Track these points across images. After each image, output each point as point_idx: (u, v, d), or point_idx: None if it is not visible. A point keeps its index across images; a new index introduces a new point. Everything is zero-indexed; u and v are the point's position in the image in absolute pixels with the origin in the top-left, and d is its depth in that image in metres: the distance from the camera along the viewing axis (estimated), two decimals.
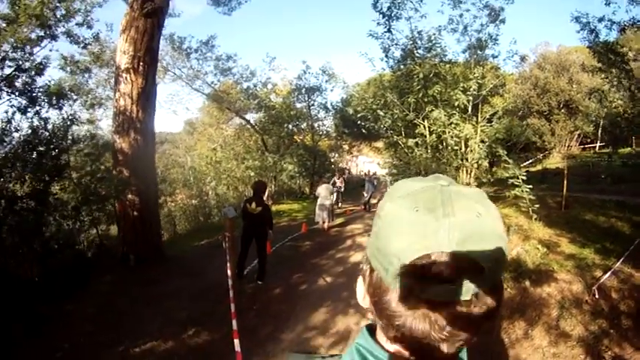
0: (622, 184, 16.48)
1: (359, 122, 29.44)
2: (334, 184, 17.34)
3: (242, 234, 9.37)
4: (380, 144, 30.95)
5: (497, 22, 12.13)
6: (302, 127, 29.90)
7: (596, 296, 6.69)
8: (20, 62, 10.33)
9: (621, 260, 7.47)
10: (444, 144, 11.57)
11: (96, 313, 8.21)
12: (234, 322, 5.38)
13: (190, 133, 37.65)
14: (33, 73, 10.61)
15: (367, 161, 44.26)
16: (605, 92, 27.19)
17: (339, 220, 17.24)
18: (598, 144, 35.88)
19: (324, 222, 15.82)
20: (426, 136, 11.55)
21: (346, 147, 34.62)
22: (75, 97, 12.50)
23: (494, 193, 13.09)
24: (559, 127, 33.27)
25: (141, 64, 11.57)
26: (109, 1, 13.90)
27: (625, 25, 12.42)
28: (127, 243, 11.61)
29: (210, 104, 31.42)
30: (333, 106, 30.32)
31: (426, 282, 0.71)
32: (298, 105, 29.46)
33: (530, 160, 31.09)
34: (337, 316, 7.50)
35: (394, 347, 0.85)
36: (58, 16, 10.88)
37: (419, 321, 0.74)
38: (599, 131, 35.11)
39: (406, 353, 0.83)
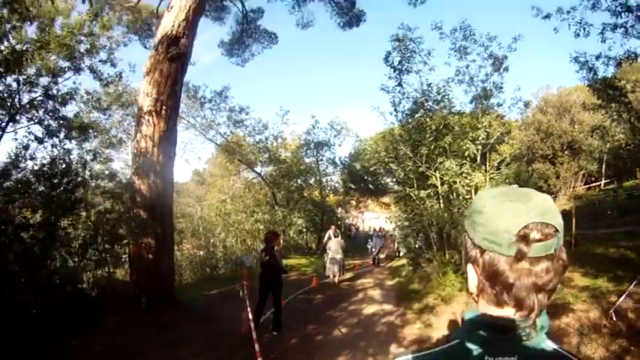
0: (628, 215, 17.26)
1: (366, 178, 29.77)
2: (329, 237, 17.19)
3: (260, 283, 9.32)
4: (387, 199, 30.94)
5: (501, 70, 12.29)
6: (310, 182, 29.91)
7: (614, 319, 6.98)
8: (48, 88, 10.36)
9: (634, 284, 7.86)
10: (455, 194, 11.53)
11: (104, 352, 8.07)
12: None
13: (200, 183, 37.72)
14: (59, 101, 10.64)
15: (373, 217, 44.23)
16: (607, 128, 28.07)
17: (348, 275, 17.02)
18: (603, 181, 36.17)
19: (334, 275, 15.79)
20: (437, 187, 11.48)
21: (353, 202, 34.47)
22: (95, 133, 12.42)
23: None
24: (564, 169, 33.27)
25: (164, 107, 11.74)
26: (132, 43, 14.12)
27: (621, 58, 12.57)
28: (139, 285, 11.48)
29: (221, 155, 31.59)
30: (342, 161, 30.43)
31: (529, 243, 1.05)
32: (307, 160, 29.69)
33: None
34: None
35: (499, 311, 1.16)
36: (83, 50, 10.93)
37: (526, 276, 1.07)
38: (603, 167, 35.45)
39: (512, 312, 1.13)
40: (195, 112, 26.04)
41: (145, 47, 15.36)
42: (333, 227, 18.81)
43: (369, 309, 11.32)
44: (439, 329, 8.35)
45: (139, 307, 10.97)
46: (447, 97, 12.72)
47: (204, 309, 10.46)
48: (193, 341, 8.69)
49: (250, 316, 8.14)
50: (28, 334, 7.95)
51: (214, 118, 26.88)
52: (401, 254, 23.44)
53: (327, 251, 16.84)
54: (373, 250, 22.90)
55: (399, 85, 13.18)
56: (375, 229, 27.65)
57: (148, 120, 11.65)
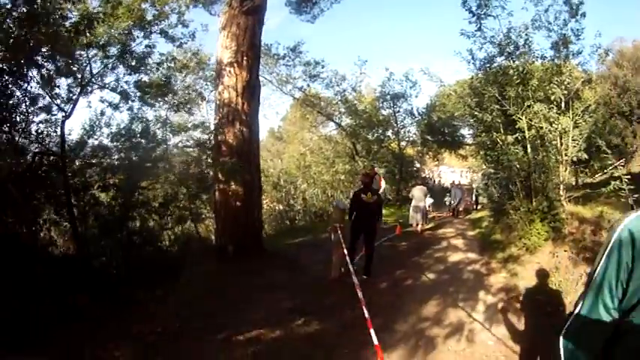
0: None
1: (443, 129, 29.23)
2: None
3: (353, 226, 9.31)
4: (463, 152, 30.39)
5: (578, 16, 11.67)
6: (388, 134, 29.69)
7: None
8: (120, 54, 10.67)
9: None
10: (542, 139, 11.18)
11: (191, 301, 8.30)
12: (365, 311, 5.19)
13: (278, 138, 38.17)
14: (132, 65, 11.04)
15: (449, 171, 43.67)
16: None
17: (429, 225, 16.93)
18: None
19: (417, 224, 15.70)
20: (524, 132, 11.16)
21: (430, 154, 33.93)
22: (171, 94, 12.85)
23: (590, 190, 12.68)
24: None
25: (245, 58, 11.92)
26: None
27: None
28: (225, 234, 11.78)
29: (299, 109, 31.72)
30: (419, 112, 29.93)
31: None
32: (384, 112, 29.40)
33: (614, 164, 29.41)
34: (447, 308, 7.36)
35: None
36: (151, 16, 11.20)
37: None
38: None
39: None
40: (270, 68, 26.04)
41: (210, 13, 15.43)
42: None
43: (453, 257, 11.35)
44: (525, 278, 8.22)
45: (226, 256, 11.26)
46: (528, 41, 12.26)
47: (290, 256, 10.70)
48: (283, 287, 8.88)
49: (348, 259, 8.13)
50: (109, 290, 8.40)
51: (290, 73, 26.83)
52: (478, 207, 23.16)
53: (411, 199, 16.73)
54: (452, 201, 22.72)
55: (479, 29, 12.76)
56: (453, 182, 27.41)
57: (230, 71, 11.86)
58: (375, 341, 4.55)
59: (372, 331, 4.80)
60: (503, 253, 10.33)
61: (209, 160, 12.75)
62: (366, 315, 5.07)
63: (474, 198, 24.38)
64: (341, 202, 10.33)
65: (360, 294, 5.56)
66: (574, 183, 16.36)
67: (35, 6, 8.49)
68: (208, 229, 14.96)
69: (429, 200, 18.22)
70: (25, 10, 8.43)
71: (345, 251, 8.44)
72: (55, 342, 5.97)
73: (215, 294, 8.74)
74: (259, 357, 5.78)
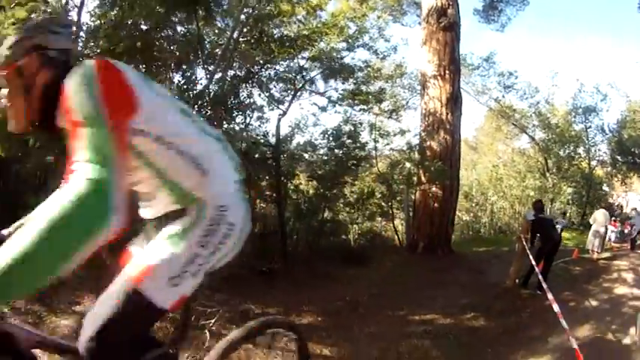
0: None
1: (634, 150, 26.87)
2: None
3: (544, 246, 9.74)
4: None
5: None
6: (579, 151, 28.42)
7: None
8: (328, 66, 12.40)
9: None
10: None
11: (379, 283, 9.47)
12: (562, 321, 5.66)
13: (473, 148, 38.04)
14: (341, 75, 12.82)
15: (637, 198, 40.24)
16: None
17: (605, 254, 16.65)
18: None
19: (593, 250, 15.34)
20: None
21: (619, 178, 31.32)
22: (377, 102, 14.21)
23: None
24: None
25: (447, 71, 12.97)
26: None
27: None
28: (419, 231, 12.89)
29: (492, 120, 31.56)
30: (610, 129, 28.04)
31: None
32: (575, 127, 28.12)
33: None
34: (599, 334, 7.58)
35: None
36: (353, 32, 12.85)
37: None
38: None
39: None
40: (466, 78, 26.10)
41: (402, 24, 16.95)
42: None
43: (619, 290, 11.06)
44: None
45: (415, 251, 12.36)
46: None
47: (475, 261, 11.27)
48: (462, 285, 9.76)
49: (537, 269, 8.44)
50: (305, 263, 10.16)
51: (484, 84, 26.83)
52: None
53: (592, 223, 16.14)
54: (633, 232, 21.33)
55: None
56: (635, 208, 25.51)
57: (434, 83, 13.00)
58: (575, 345, 5.16)
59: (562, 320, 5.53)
60: None
61: (415, 162, 13.71)
62: (564, 325, 5.53)
63: None
64: (530, 213, 10.56)
65: (556, 307, 5.97)
66: None
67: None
68: (394, 230, 15.85)
69: (612, 228, 17.66)
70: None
71: (536, 267, 8.68)
72: (253, 293, 7.45)
73: (401, 281, 9.90)
74: (428, 335, 6.75)
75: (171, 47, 8.94)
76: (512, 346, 6.75)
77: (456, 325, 7.41)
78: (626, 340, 7.23)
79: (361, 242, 14.15)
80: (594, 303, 9.60)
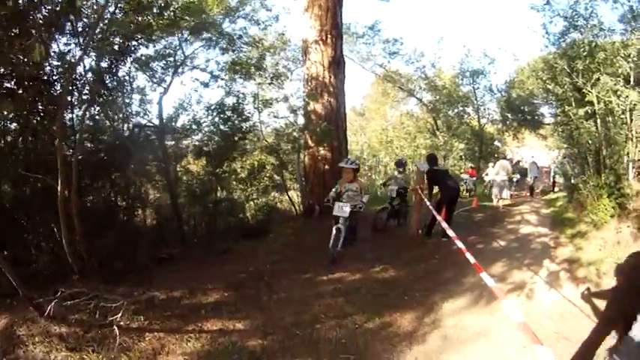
0: None
1: (523, 108, 28.51)
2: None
3: (443, 196, 9.95)
4: (543, 131, 29.74)
5: None
6: (468, 110, 29.45)
7: None
8: (207, 39, 11.91)
9: None
10: (612, 114, 11.22)
11: (280, 250, 9.41)
12: (469, 256, 5.38)
13: (360, 114, 38.57)
14: (223, 46, 12.40)
15: (531, 153, 42.71)
16: None
17: (507, 202, 17.27)
18: None
19: (496, 197, 16.15)
20: (594, 105, 11.26)
21: (510, 134, 33.14)
22: (259, 72, 13.79)
23: None
24: None
25: (329, 36, 12.79)
26: None
27: None
28: (312, 194, 12.76)
29: (380, 86, 32.03)
30: (498, 89, 29.37)
31: None
32: (464, 89, 29.01)
33: None
34: (513, 270, 7.92)
35: None
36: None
37: None
38: None
39: None
40: (350, 46, 26.32)
41: None
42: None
43: (525, 229, 11.72)
44: (588, 252, 8.55)
45: (312, 215, 12.27)
46: (593, 13, 12.26)
47: (372, 218, 11.06)
48: (365, 242, 9.78)
49: (440, 218, 8.32)
50: (203, 244, 10.05)
51: (370, 51, 27.06)
52: (556, 189, 22.99)
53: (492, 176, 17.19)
54: (529, 180, 22.58)
55: (548, 3, 13.02)
56: (532, 157, 27.02)
57: (316, 48, 12.80)
58: (472, 260, 5.20)
59: (468, 255, 5.41)
60: (572, 230, 10.52)
61: (300, 126, 13.72)
62: (471, 260, 5.30)
63: (551, 179, 24.09)
64: (422, 164, 10.57)
65: (461, 245, 5.83)
66: None
67: None
68: (289, 202, 15.70)
69: (516, 176, 18.34)
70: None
71: (438, 216, 8.68)
72: (154, 281, 7.20)
73: (302, 245, 9.81)
74: (340, 292, 6.72)
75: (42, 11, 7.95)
76: (428, 290, 6.87)
77: (366, 279, 7.39)
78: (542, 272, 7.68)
79: (259, 218, 13.80)
80: (502, 243, 10.00)
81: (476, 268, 4.96)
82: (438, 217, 8.39)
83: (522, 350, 4.98)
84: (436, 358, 4.90)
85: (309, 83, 13.09)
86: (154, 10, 10.52)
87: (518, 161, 35.59)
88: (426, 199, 9.58)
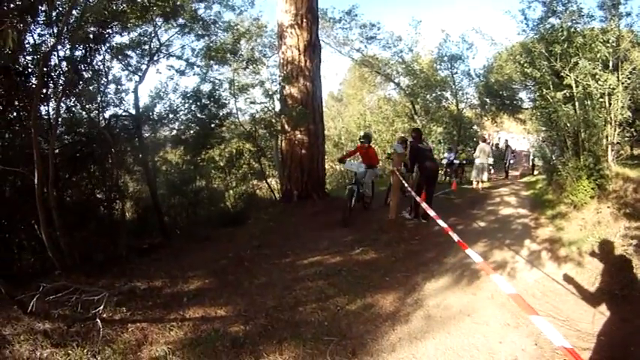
0: None
1: (502, 93, 28.78)
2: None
3: (423, 176, 10.05)
4: (522, 116, 30.08)
5: None
6: (446, 95, 29.57)
7: None
8: (183, 26, 11.58)
9: None
10: (590, 97, 11.34)
11: (260, 235, 9.37)
12: (453, 234, 5.43)
13: (338, 100, 38.53)
14: (198, 33, 12.01)
15: (509, 137, 43.28)
16: None
17: (486, 184, 17.38)
18: None
19: (476, 181, 16.51)
20: (572, 88, 11.37)
21: (489, 118, 33.43)
22: (235, 57, 13.56)
23: None
24: None
25: (304, 20, 12.76)
26: None
27: None
28: (291, 179, 12.76)
29: (358, 70, 32.02)
30: (476, 74, 29.59)
31: None
32: (442, 74, 29.13)
33: None
34: (494, 250, 8.04)
35: None
36: None
37: None
38: None
39: None
40: (327, 32, 26.47)
41: None
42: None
43: (505, 211, 11.91)
44: (568, 232, 8.66)
45: (291, 200, 12.27)
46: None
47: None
48: (344, 225, 9.76)
49: (419, 200, 8.28)
50: (183, 233, 9.97)
51: (347, 36, 27.17)
52: (535, 172, 23.24)
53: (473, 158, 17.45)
54: (506, 163, 23.00)
55: None
56: (507, 141, 27.38)
57: (291, 32, 12.78)
58: (456, 238, 5.28)
59: (451, 233, 5.49)
60: (553, 211, 10.68)
61: (277, 111, 13.63)
62: (455, 238, 5.34)
63: (530, 162, 24.39)
64: (399, 146, 10.80)
65: (443, 224, 5.94)
66: (629, 152, 16.32)
67: None
68: (268, 189, 15.60)
69: (490, 160, 18.61)
70: None
71: (416, 197, 8.73)
72: (136, 271, 7.12)
73: (281, 230, 9.83)
74: (321, 275, 6.70)
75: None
76: (409, 271, 6.91)
77: (347, 262, 7.41)
78: (524, 252, 7.78)
79: (239, 207, 13.67)
80: (483, 224, 10.12)
81: (460, 246, 5.01)
82: (417, 199, 8.43)
83: (506, 327, 5.07)
84: (420, 338, 4.89)
85: (285, 67, 13.05)
86: None
87: (497, 144, 35.98)
88: (405, 183, 9.72)
